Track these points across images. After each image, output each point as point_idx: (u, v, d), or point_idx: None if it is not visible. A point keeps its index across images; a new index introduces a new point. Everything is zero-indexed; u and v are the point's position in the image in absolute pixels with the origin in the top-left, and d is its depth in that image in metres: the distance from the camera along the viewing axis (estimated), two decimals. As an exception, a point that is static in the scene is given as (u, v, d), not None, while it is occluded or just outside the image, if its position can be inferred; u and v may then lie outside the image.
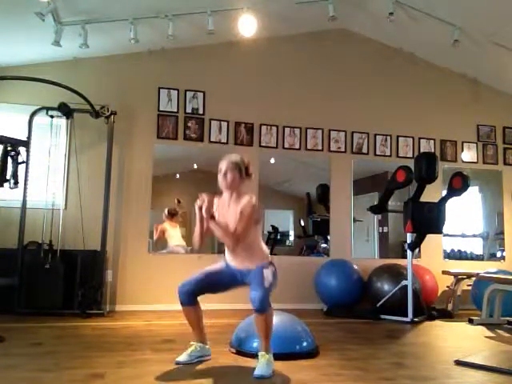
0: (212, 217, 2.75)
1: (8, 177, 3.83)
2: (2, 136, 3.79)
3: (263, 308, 2.63)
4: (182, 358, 2.83)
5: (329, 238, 5.89)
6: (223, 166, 2.85)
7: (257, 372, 2.58)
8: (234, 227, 2.73)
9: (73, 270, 4.73)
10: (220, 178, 2.86)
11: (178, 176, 5.75)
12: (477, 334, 4.23)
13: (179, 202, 5.60)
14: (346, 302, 5.22)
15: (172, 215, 5.51)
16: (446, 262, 6.08)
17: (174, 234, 5.53)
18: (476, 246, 6.44)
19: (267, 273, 2.73)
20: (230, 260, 2.90)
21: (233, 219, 2.77)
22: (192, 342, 2.90)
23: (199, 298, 2.88)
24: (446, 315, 5.09)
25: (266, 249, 2.93)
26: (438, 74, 6.38)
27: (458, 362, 2.98)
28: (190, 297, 2.83)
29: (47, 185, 4.92)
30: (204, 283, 2.86)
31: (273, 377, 2.58)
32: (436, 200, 5.12)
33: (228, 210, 2.84)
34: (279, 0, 4.96)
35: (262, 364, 2.62)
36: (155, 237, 5.40)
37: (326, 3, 4.79)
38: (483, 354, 3.30)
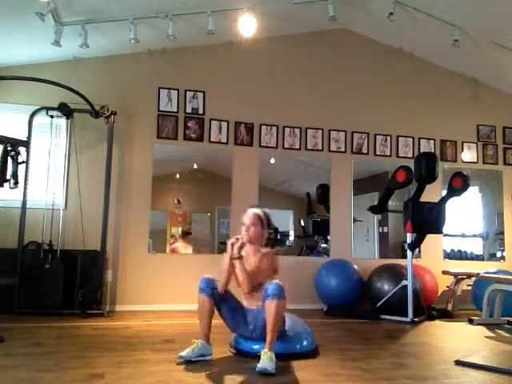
0: (240, 257, 2.91)
1: (8, 177, 3.82)
2: (2, 136, 3.78)
3: (278, 294, 2.74)
4: (185, 353, 2.84)
5: (329, 238, 5.89)
6: (247, 219, 3.03)
7: (260, 366, 2.59)
8: (258, 277, 2.93)
9: (73, 270, 4.73)
10: (243, 231, 3.02)
11: (177, 176, 5.75)
12: (477, 334, 4.23)
13: (179, 202, 5.60)
14: (346, 302, 5.22)
15: (185, 235, 5.53)
16: (446, 261, 6.08)
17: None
18: (476, 246, 6.43)
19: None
20: (245, 302, 3.07)
21: (253, 267, 2.97)
22: (194, 340, 2.91)
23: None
24: (446, 315, 5.09)
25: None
26: (437, 74, 6.38)
27: (458, 362, 2.98)
28: (210, 288, 2.93)
29: (47, 185, 4.93)
30: (225, 299, 3.00)
31: (274, 376, 2.57)
32: (436, 200, 5.12)
33: (247, 259, 3.00)
34: (279, 0, 4.96)
35: (264, 359, 2.63)
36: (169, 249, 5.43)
37: (326, 3, 4.79)
38: (483, 354, 3.30)
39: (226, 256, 2.95)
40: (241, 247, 2.93)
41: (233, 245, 2.92)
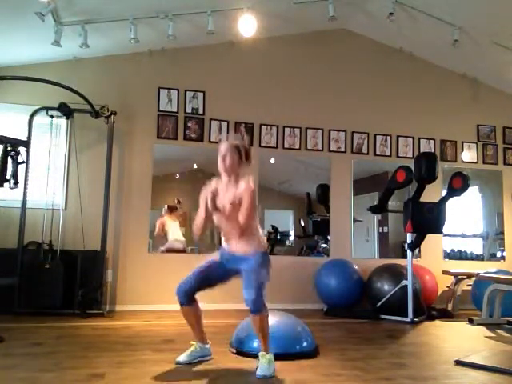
0: (217, 208, 2.73)
1: (8, 177, 3.83)
2: (2, 136, 3.79)
3: (257, 309, 2.65)
4: (183, 358, 2.84)
5: (329, 238, 5.89)
6: (223, 148, 2.85)
7: (259, 372, 2.58)
8: (234, 214, 2.71)
9: (73, 270, 4.73)
10: (219, 160, 2.84)
11: (177, 176, 5.75)
12: (477, 333, 4.23)
13: (179, 201, 5.60)
14: (346, 302, 5.22)
15: (171, 210, 5.52)
16: (446, 261, 6.08)
17: (174, 229, 5.53)
18: (476, 246, 6.43)
19: (259, 270, 2.71)
20: (225, 244, 2.88)
21: (230, 202, 2.76)
22: (192, 342, 2.90)
23: (198, 297, 2.87)
24: (446, 315, 5.09)
25: (262, 235, 2.90)
26: (437, 74, 6.38)
27: (458, 362, 2.98)
28: (187, 296, 2.81)
29: (47, 185, 4.92)
30: (200, 279, 2.83)
31: (274, 376, 2.57)
32: (436, 200, 5.13)
33: (226, 192, 2.82)
34: (279, 0, 4.96)
35: (263, 364, 2.62)
36: (156, 232, 5.40)
37: (326, 3, 4.79)
38: (483, 354, 3.30)
39: (202, 201, 2.82)
40: (213, 199, 2.73)
41: (206, 197, 2.75)
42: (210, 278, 2.86)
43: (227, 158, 2.81)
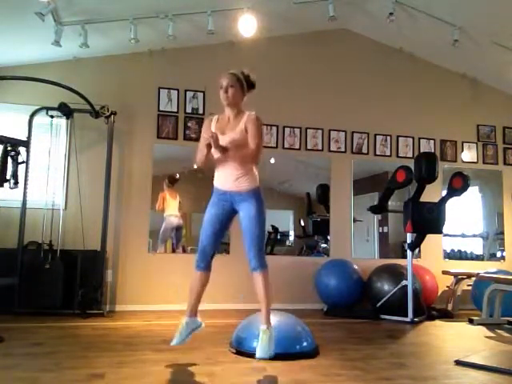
0: (225, 149, 2.72)
1: (8, 177, 3.83)
2: (2, 136, 3.79)
3: (260, 264, 2.75)
4: (175, 340, 2.83)
5: (329, 238, 5.89)
6: (224, 81, 2.82)
7: (260, 354, 2.59)
8: (245, 146, 2.73)
9: (73, 270, 4.73)
10: (221, 93, 2.81)
11: (177, 176, 5.74)
12: (477, 333, 4.23)
13: (179, 201, 5.60)
14: (346, 301, 5.22)
15: (172, 182, 5.52)
16: (446, 261, 6.08)
17: (172, 204, 5.54)
18: (476, 246, 6.43)
19: (258, 216, 2.78)
20: (221, 182, 2.90)
21: (232, 133, 2.77)
22: (177, 322, 2.91)
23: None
24: (446, 315, 5.09)
25: (255, 171, 2.90)
26: (437, 74, 6.38)
27: (458, 362, 2.98)
28: (207, 260, 2.89)
29: (47, 185, 4.92)
30: (213, 240, 2.90)
31: (274, 376, 2.57)
32: (436, 200, 5.12)
33: (228, 125, 2.82)
34: (279, 0, 4.96)
35: (263, 342, 2.63)
36: (157, 206, 5.41)
37: (326, 3, 4.79)
38: (483, 354, 3.30)
39: (204, 138, 2.80)
40: (216, 141, 2.70)
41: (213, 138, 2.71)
42: (217, 233, 2.91)
43: (229, 89, 2.79)
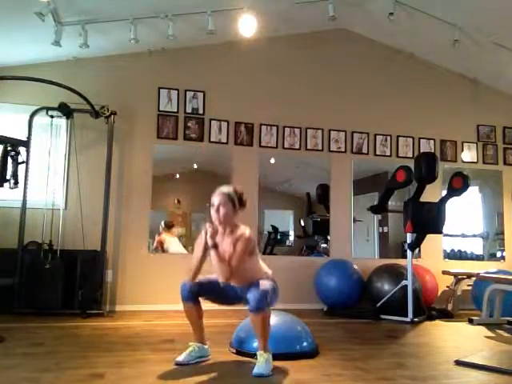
0: (215, 245, 2.74)
1: (8, 177, 3.82)
2: (1, 136, 3.78)
3: (258, 307, 2.63)
4: (182, 358, 2.83)
5: (329, 238, 5.89)
6: (215, 200, 2.79)
7: (255, 370, 2.58)
8: (229, 259, 2.72)
9: (73, 270, 4.73)
10: (213, 212, 2.79)
11: (177, 176, 5.75)
12: (477, 334, 4.23)
13: (179, 201, 5.60)
14: (346, 302, 5.22)
15: (169, 227, 5.52)
16: (446, 261, 6.08)
17: (174, 244, 5.52)
18: (476, 246, 6.43)
19: (265, 282, 2.74)
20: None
21: (227, 250, 2.76)
22: (191, 343, 2.90)
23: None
24: (446, 315, 5.09)
25: (266, 269, 2.91)
26: (438, 74, 6.38)
27: (458, 362, 2.98)
28: (192, 294, 2.82)
29: (47, 185, 4.92)
30: (207, 286, 2.86)
31: (272, 376, 2.57)
32: (436, 200, 5.12)
33: (222, 241, 2.82)
34: (279, 0, 4.96)
35: (260, 363, 2.62)
36: (153, 247, 5.39)
37: (326, 3, 4.78)
38: (483, 354, 3.30)
39: (199, 244, 2.80)
40: (213, 236, 2.75)
41: (206, 233, 2.76)
42: (216, 290, 2.85)
43: (221, 209, 2.77)
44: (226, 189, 2.83)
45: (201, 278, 2.87)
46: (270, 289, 2.72)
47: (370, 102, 6.11)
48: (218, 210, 2.78)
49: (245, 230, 2.78)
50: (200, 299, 2.88)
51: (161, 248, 5.42)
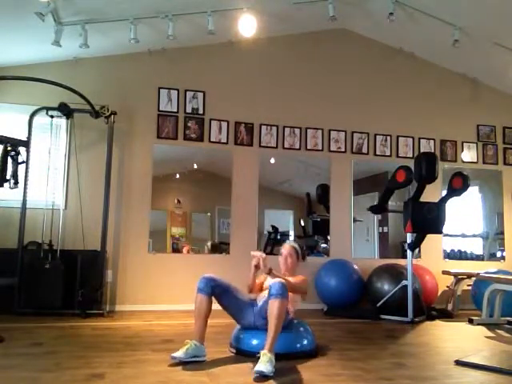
0: (270, 270, 3.03)
1: (8, 177, 3.82)
2: (1, 136, 3.78)
3: (282, 293, 2.81)
4: (178, 353, 2.83)
5: (329, 238, 5.89)
6: (285, 250, 3.39)
7: (257, 368, 2.56)
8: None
9: (73, 270, 4.73)
10: (281, 260, 3.38)
11: (177, 176, 5.75)
12: (477, 333, 4.23)
13: (179, 201, 5.60)
14: (346, 301, 5.22)
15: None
16: (446, 261, 6.08)
17: None
18: (476, 246, 6.43)
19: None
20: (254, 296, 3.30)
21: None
22: (188, 340, 2.90)
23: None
24: (446, 315, 5.09)
25: (292, 309, 3.21)
26: (437, 74, 6.38)
27: (458, 362, 2.98)
28: (209, 287, 3.01)
29: (47, 185, 4.92)
30: (223, 288, 3.10)
31: (274, 377, 2.57)
32: (436, 200, 5.12)
33: None
34: (279, 0, 4.96)
35: (263, 362, 2.61)
36: None
37: (326, 3, 4.78)
38: (483, 354, 3.30)
39: (252, 268, 3.15)
40: (264, 261, 3.05)
41: (256, 266, 3.10)
42: (232, 296, 3.15)
43: (288, 258, 3.37)
44: (293, 243, 3.49)
45: (221, 279, 3.12)
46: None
47: (369, 102, 6.11)
48: (286, 259, 3.37)
49: (301, 276, 3.33)
50: (213, 298, 3.04)
51: None
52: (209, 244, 5.55)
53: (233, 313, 3.18)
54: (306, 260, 3.54)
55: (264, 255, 3.07)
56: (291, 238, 6.02)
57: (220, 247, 5.53)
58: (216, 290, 3.05)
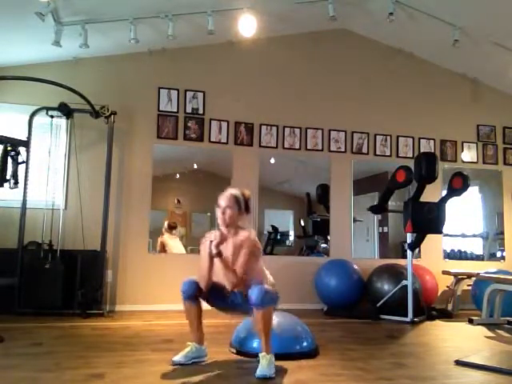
0: (219, 253, 2.71)
1: (8, 177, 3.82)
2: (1, 136, 3.78)
3: (262, 302, 2.61)
4: (178, 358, 2.82)
5: (329, 238, 5.89)
6: (222, 201, 2.83)
7: (259, 372, 2.56)
8: (235, 265, 2.72)
9: (73, 270, 4.73)
10: (219, 213, 2.82)
11: (177, 176, 5.75)
12: (477, 333, 4.23)
13: (179, 201, 5.60)
14: (346, 302, 5.22)
15: (171, 228, 5.51)
16: (446, 261, 6.08)
17: (175, 245, 5.51)
18: (476, 246, 6.43)
19: (266, 286, 2.72)
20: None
21: (230, 254, 2.76)
22: (189, 343, 2.89)
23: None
24: (446, 315, 5.09)
25: (270, 277, 2.89)
26: (437, 74, 6.38)
27: (458, 362, 2.98)
28: (192, 289, 2.80)
29: (47, 185, 4.92)
30: (210, 287, 2.83)
31: (274, 377, 2.57)
32: (436, 200, 5.12)
33: (226, 245, 2.81)
34: (279, 0, 4.96)
35: (263, 365, 2.60)
36: (157, 251, 5.40)
37: (326, 3, 4.78)
38: (483, 354, 3.29)
39: (204, 254, 2.78)
40: (217, 245, 2.72)
41: (211, 242, 2.73)
42: (217, 292, 2.82)
43: (227, 210, 2.80)
44: (233, 191, 2.87)
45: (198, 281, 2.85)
46: (271, 290, 2.71)
47: (369, 101, 6.11)
48: (224, 212, 2.80)
49: (249, 233, 2.78)
50: (200, 300, 2.86)
51: (163, 250, 5.42)
52: None
53: (220, 307, 2.95)
54: (250, 212, 2.90)
55: (217, 237, 2.73)
56: (291, 238, 6.03)
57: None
58: (201, 293, 2.82)
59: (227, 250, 2.79)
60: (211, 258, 2.73)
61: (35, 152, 4.89)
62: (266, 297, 2.63)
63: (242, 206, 2.84)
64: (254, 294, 2.62)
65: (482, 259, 6.35)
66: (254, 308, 2.64)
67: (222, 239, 2.77)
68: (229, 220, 2.80)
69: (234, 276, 2.70)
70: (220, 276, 2.77)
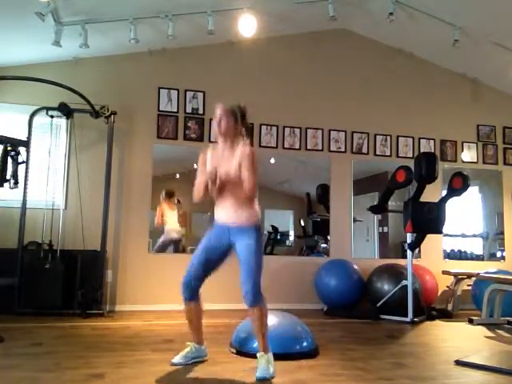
0: (222, 183, 2.68)
1: (8, 177, 3.83)
2: (1, 136, 3.79)
3: (256, 300, 2.62)
4: (178, 359, 2.82)
5: (329, 238, 5.89)
6: (218, 112, 2.80)
7: (259, 374, 2.55)
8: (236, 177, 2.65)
9: (73, 270, 4.73)
10: (214, 124, 2.80)
11: (177, 176, 5.75)
12: (477, 333, 4.23)
13: (179, 201, 5.60)
14: (346, 302, 5.22)
15: (170, 196, 5.49)
16: (446, 261, 6.07)
17: (171, 217, 5.51)
18: (476, 246, 6.43)
19: (256, 252, 2.66)
20: (221, 216, 2.82)
21: (227, 167, 2.69)
22: (188, 343, 2.89)
23: (202, 295, 2.86)
24: (446, 315, 5.09)
25: (257, 207, 2.81)
26: (437, 74, 6.38)
27: (458, 362, 2.98)
28: (191, 288, 2.79)
29: (47, 185, 4.92)
30: (200, 267, 2.80)
31: (274, 377, 2.57)
32: (436, 200, 5.12)
33: (222, 158, 2.76)
34: (279, 0, 4.96)
35: (262, 365, 2.60)
36: (156, 222, 5.38)
37: (326, 3, 4.79)
38: (483, 354, 3.30)
39: (200, 169, 2.80)
40: (215, 176, 2.67)
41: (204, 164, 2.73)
42: (208, 262, 2.81)
43: (222, 121, 2.77)
44: (232, 105, 2.83)
45: (191, 263, 2.86)
46: (260, 257, 2.66)
47: (369, 101, 6.11)
48: (220, 122, 2.78)
49: (245, 146, 2.73)
50: (200, 295, 2.85)
51: (161, 220, 5.40)
52: None
53: (218, 263, 2.86)
54: (249, 125, 2.88)
55: (212, 175, 2.67)
56: (291, 238, 6.03)
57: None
58: (199, 278, 2.79)
59: (224, 165, 2.72)
60: (208, 182, 2.69)
61: (35, 152, 4.89)
62: (258, 294, 2.63)
63: (238, 116, 2.80)
64: (247, 293, 2.62)
65: (482, 259, 6.35)
66: (250, 307, 2.65)
67: (215, 175, 2.69)
68: (225, 130, 2.77)
69: (240, 192, 2.65)
70: (221, 194, 2.75)
